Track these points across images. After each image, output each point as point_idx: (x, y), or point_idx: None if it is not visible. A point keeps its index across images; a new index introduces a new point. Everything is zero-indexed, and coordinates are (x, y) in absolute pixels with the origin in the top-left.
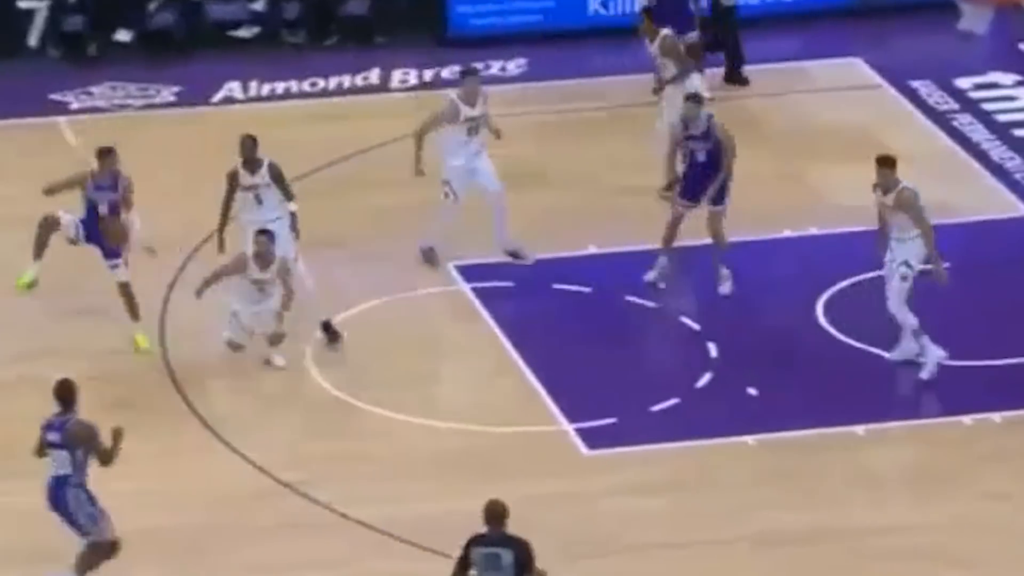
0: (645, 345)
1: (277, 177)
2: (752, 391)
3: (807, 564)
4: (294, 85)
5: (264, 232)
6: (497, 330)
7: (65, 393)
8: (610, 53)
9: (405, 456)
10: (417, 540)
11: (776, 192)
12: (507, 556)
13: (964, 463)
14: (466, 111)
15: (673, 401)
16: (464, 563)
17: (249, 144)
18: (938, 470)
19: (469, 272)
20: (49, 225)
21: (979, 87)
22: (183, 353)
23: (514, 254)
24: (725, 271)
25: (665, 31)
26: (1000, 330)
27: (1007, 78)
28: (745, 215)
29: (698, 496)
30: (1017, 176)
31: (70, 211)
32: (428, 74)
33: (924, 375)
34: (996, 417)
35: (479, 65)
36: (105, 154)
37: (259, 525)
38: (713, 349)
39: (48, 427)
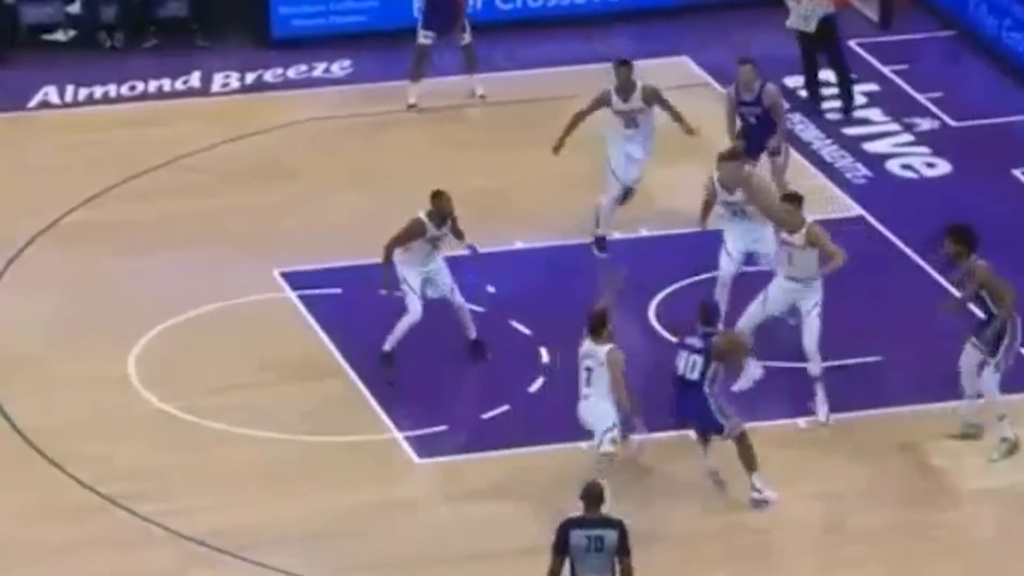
0: (486, 349)
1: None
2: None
3: (642, 569)
4: (112, 89)
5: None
6: (324, 337)
7: (709, 313)
8: (435, 53)
9: (231, 467)
10: (243, 552)
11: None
12: (611, 537)
13: (795, 464)
14: None
15: (505, 407)
16: (562, 547)
17: (445, 202)
18: (772, 472)
19: (295, 278)
20: None
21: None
22: (2, 360)
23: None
24: None
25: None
26: (832, 331)
27: (833, 75)
28: (574, 217)
29: (533, 502)
30: (848, 175)
31: None
32: (250, 77)
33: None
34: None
35: (303, 67)
36: None
37: (81, 539)
38: (544, 354)
39: (691, 333)
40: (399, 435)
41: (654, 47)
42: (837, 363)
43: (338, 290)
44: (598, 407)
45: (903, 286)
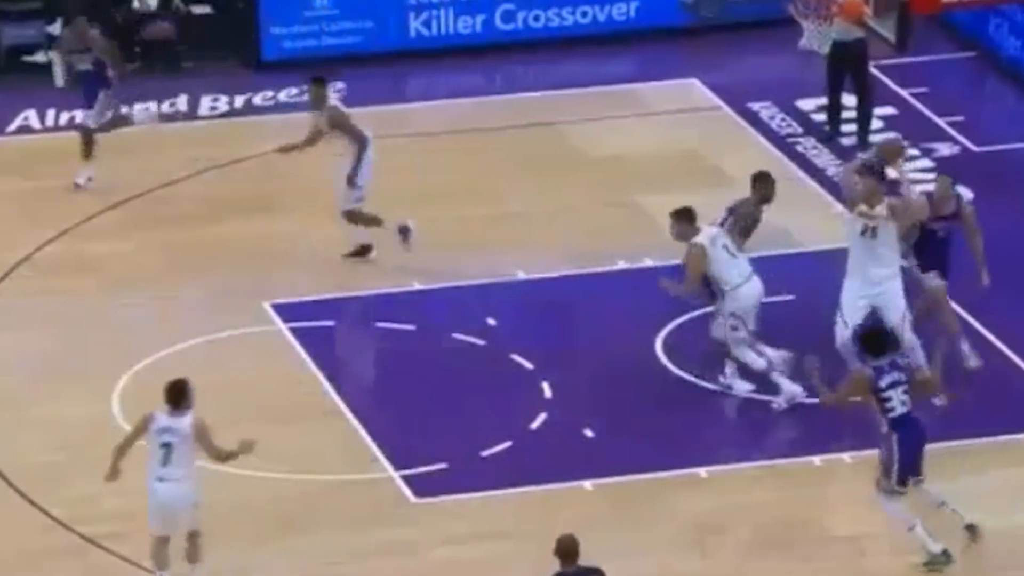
0: (475, 386)
1: None
2: (589, 432)
3: None
4: None
5: None
6: (317, 372)
7: None
8: (433, 76)
9: (218, 506)
10: None
11: (609, 222)
12: None
13: (811, 506)
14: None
15: (506, 445)
16: None
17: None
18: (782, 514)
19: (286, 310)
20: None
21: (823, 109)
22: None
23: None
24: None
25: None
26: (845, 364)
27: (852, 99)
28: (578, 246)
29: (535, 543)
30: None
31: None
32: (239, 100)
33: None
34: (846, 457)
35: (294, 90)
36: None
37: None
38: (547, 389)
39: None
40: (395, 474)
41: (662, 69)
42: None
43: (331, 322)
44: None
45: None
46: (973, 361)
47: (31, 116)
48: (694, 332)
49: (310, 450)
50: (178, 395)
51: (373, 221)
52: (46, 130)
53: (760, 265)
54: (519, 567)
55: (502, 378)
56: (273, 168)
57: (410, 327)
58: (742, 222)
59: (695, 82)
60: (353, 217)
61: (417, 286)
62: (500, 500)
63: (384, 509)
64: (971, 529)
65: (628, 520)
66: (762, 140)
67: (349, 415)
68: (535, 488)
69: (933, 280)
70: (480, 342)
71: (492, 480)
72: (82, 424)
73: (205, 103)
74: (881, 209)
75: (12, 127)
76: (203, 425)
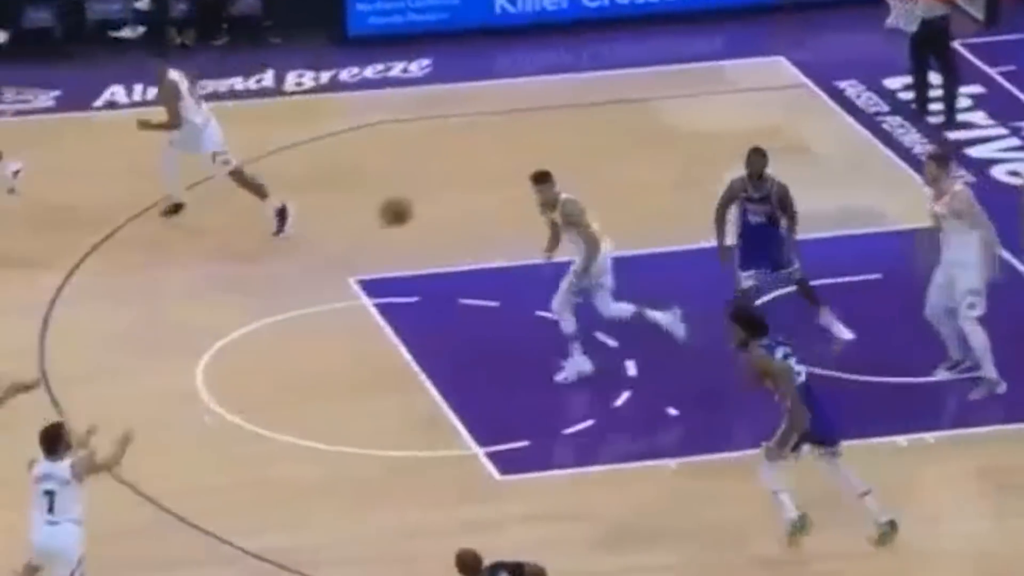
0: (558, 363)
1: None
2: (673, 411)
3: None
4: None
5: None
6: (402, 348)
7: None
8: (518, 53)
9: (301, 482)
10: (314, 572)
11: (694, 200)
12: None
13: (895, 486)
14: None
15: (589, 423)
16: None
17: None
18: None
19: (371, 287)
20: None
21: (910, 87)
22: (65, 376)
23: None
24: None
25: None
26: (916, 346)
27: (940, 78)
28: (661, 224)
29: (618, 521)
30: None
31: None
32: (325, 76)
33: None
34: (930, 437)
35: (380, 66)
36: None
37: (150, 558)
38: (631, 367)
39: None
40: (479, 450)
41: (749, 47)
42: (918, 380)
43: (415, 298)
44: None
45: (1005, 299)
46: None
47: (118, 91)
48: (776, 311)
49: (394, 426)
50: (52, 441)
51: (257, 187)
52: (132, 105)
53: (846, 244)
54: (601, 545)
55: (586, 355)
56: (358, 144)
57: (494, 304)
58: (730, 194)
59: (781, 59)
60: (238, 176)
61: (501, 263)
62: (583, 478)
63: (466, 486)
64: (891, 525)
65: (712, 499)
66: (848, 118)
67: (433, 391)
68: (618, 466)
69: None
70: None
71: (575, 458)
72: (167, 399)
73: (291, 79)
74: (938, 207)
75: (99, 102)
76: (86, 464)
